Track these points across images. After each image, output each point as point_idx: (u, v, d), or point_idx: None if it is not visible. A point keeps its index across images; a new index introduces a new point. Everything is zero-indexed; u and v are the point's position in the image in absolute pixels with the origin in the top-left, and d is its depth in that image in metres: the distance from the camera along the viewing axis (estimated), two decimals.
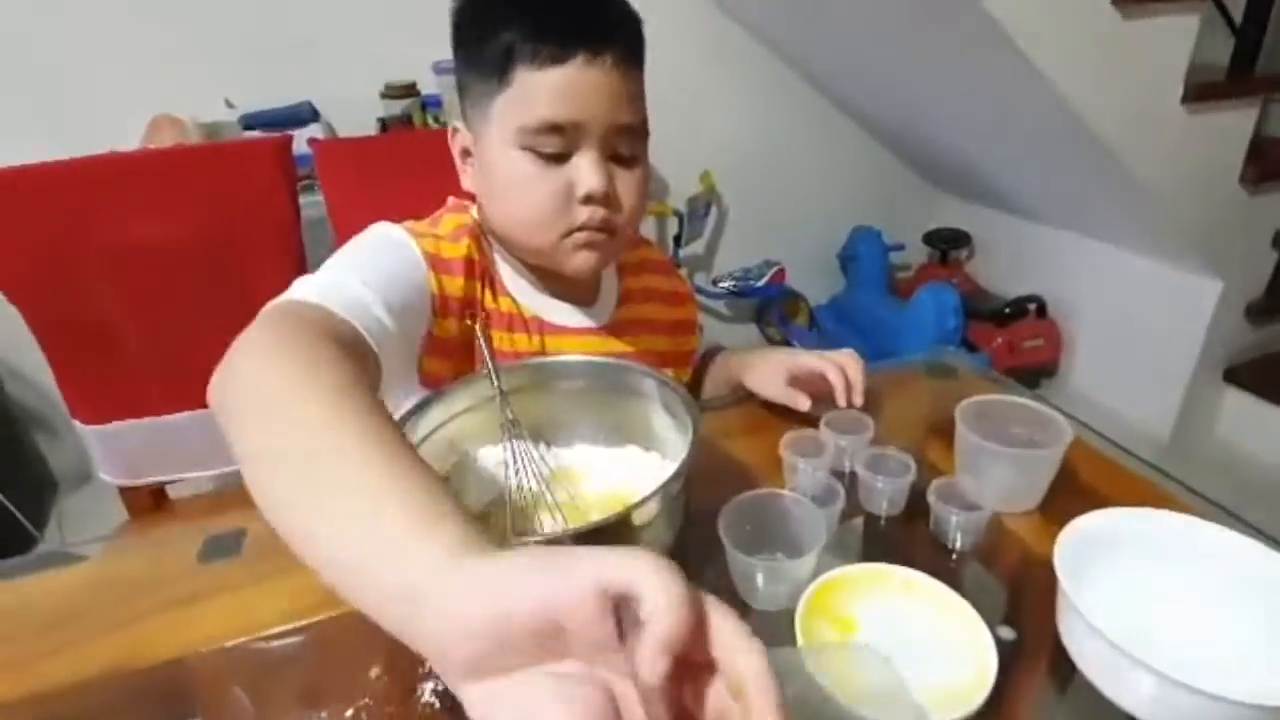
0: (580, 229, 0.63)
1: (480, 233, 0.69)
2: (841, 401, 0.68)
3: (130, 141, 1.54)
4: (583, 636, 0.26)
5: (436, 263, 0.64)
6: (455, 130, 0.68)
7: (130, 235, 1.08)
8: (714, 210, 2.30)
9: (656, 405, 0.58)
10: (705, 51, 2.13)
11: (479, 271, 0.67)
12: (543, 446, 0.62)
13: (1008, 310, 2.17)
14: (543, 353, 0.70)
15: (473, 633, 0.26)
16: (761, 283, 2.27)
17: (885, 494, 0.58)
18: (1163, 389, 1.95)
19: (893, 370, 0.82)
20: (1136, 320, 2.00)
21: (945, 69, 1.75)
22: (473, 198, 0.70)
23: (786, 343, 2.42)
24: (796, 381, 0.72)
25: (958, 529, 0.54)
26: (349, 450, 0.34)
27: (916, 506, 0.58)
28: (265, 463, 0.36)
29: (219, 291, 1.11)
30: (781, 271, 2.31)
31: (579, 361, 0.60)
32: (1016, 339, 2.15)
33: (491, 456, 0.59)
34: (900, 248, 2.48)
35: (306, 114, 1.76)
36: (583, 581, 0.26)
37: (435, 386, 0.65)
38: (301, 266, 1.18)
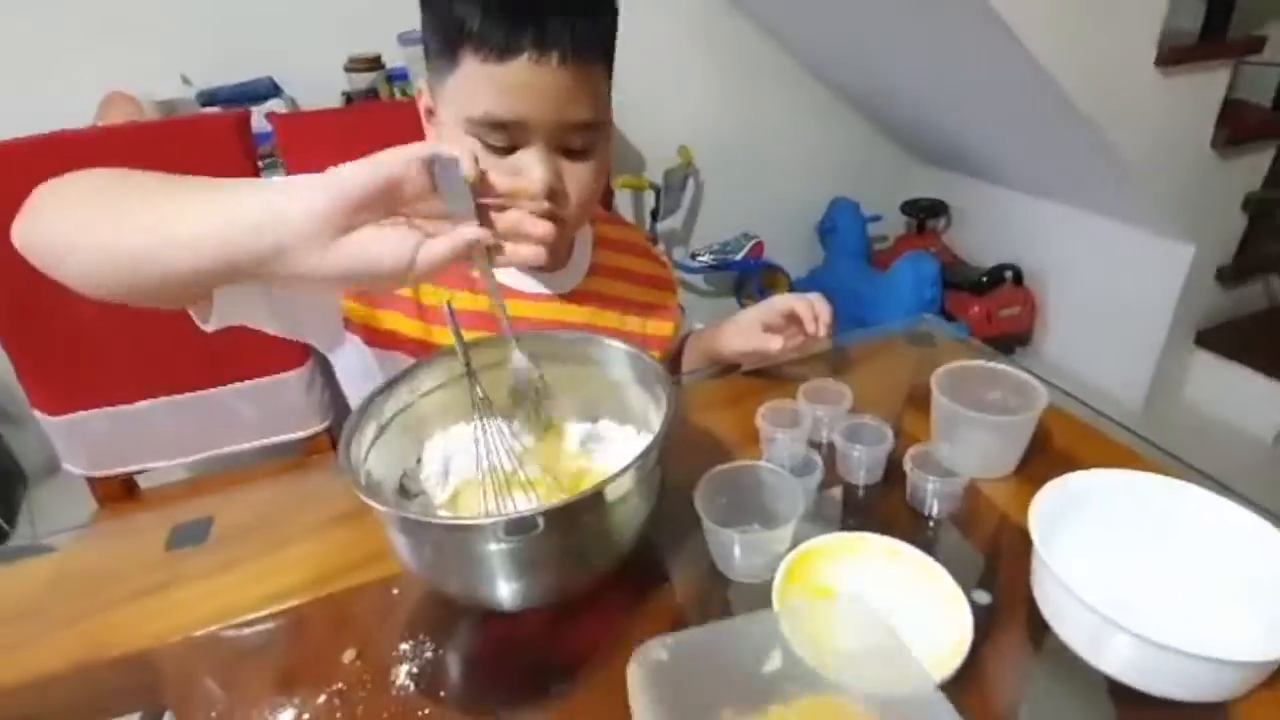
0: None
1: None
2: (809, 329, 0.69)
3: (83, 120, 1.47)
4: (409, 189, 0.42)
5: None
6: (420, 91, 0.66)
7: None
8: (691, 184, 2.27)
9: (630, 379, 0.57)
10: (681, 24, 2.09)
11: None
12: (515, 423, 0.61)
13: (985, 279, 2.18)
14: (492, 314, 0.69)
15: (336, 196, 0.39)
16: (740, 256, 2.26)
17: (862, 463, 0.58)
18: (1136, 354, 1.98)
19: (872, 339, 0.82)
20: (1110, 286, 2.02)
21: (921, 37, 1.73)
22: None
23: None
24: (769, 329, 0.72)
25: (934, 496, 0.54)
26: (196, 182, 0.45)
27: (894, 475, 0.58)
28: (114, 209, 0.45)
29: None
30: (760, 244, 2.29)
31: (549, 336, 0.58)
32: (994, 308, 2.17)
33: (464, 434, 0.57)
34: (878, 218, 2.47)
35: (266, 89, 1.70)
36: (406, 154, 0.41)
37: (350, 328, 0.67)
38: None
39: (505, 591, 0.44)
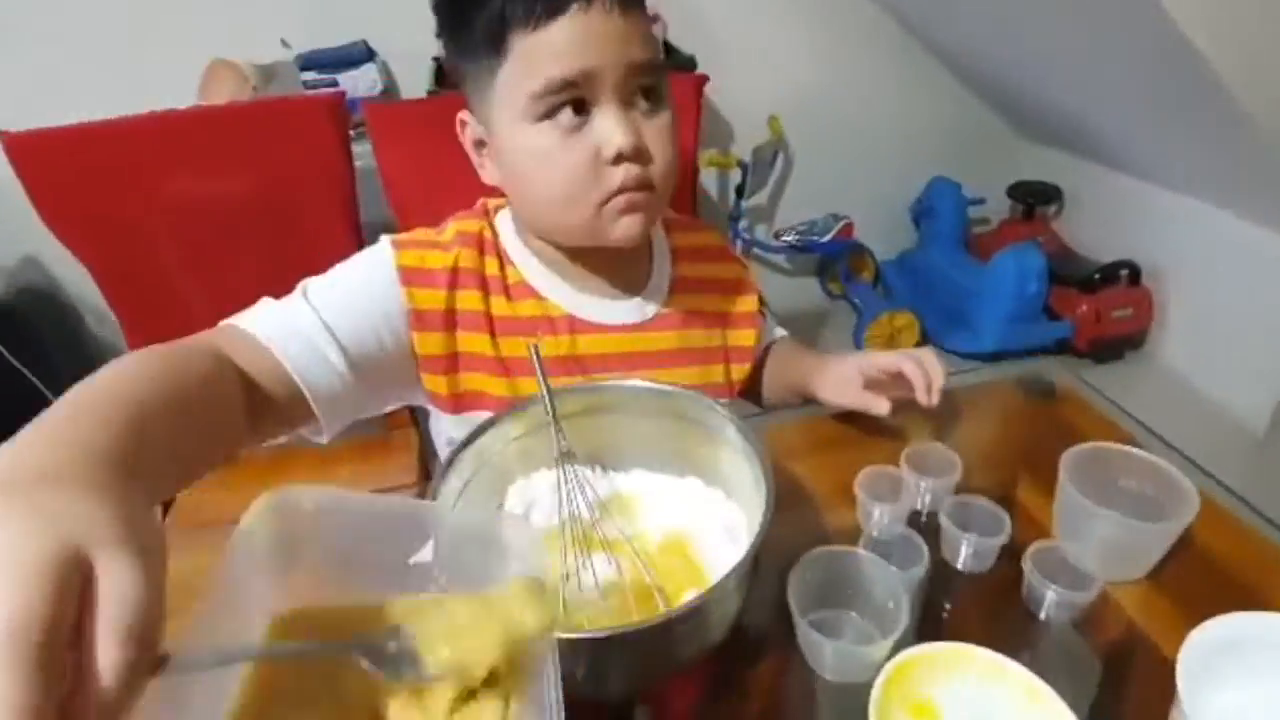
0: (618, 192, 0.58)
1: (486, 237, 0.66)
2: (921, 399, 0.63)
3: (189, 89, 1.51)
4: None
5: (412, 276, 0.62)
6: (464, 124, 0.64)
7: (188, 192, 1.07)
8: (780, 158, 2.16)
9: (722, 440, 0.53)
10: None
11: (476, 280, 0.64)
12: (598, 470, 0.59)
13: (1097, 276, 2.00)
14: (574, 353, 0.67)
15: None
16: (827, 237, 2.16)
17: (973, 551, 0.53)
18: (1262, 374, 1.79)
19: (981, 382, 0.75)
20: (1241, 295, 1.82)
21: (1064, 10, 1.55)
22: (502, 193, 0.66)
23: (848, 300, 2.32)
24: (871, 384, 0.67)
25: (1055, 605, 0.49)
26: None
27: (1006, 564, 0.53)
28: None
29: (276, 246, 1.11)
30: (849, 225, 2.18)
31: (641, 388, 0.55)
32: (1105, 308, 2.00)
33: (546, 480, 0.56)
34: (981, 201, 2.30)
35: (361, 54, 1.70)
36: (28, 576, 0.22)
37: (437, 405, 0.66)
38: (355, 220, 1.16)
39: (583, 683, 0.43)
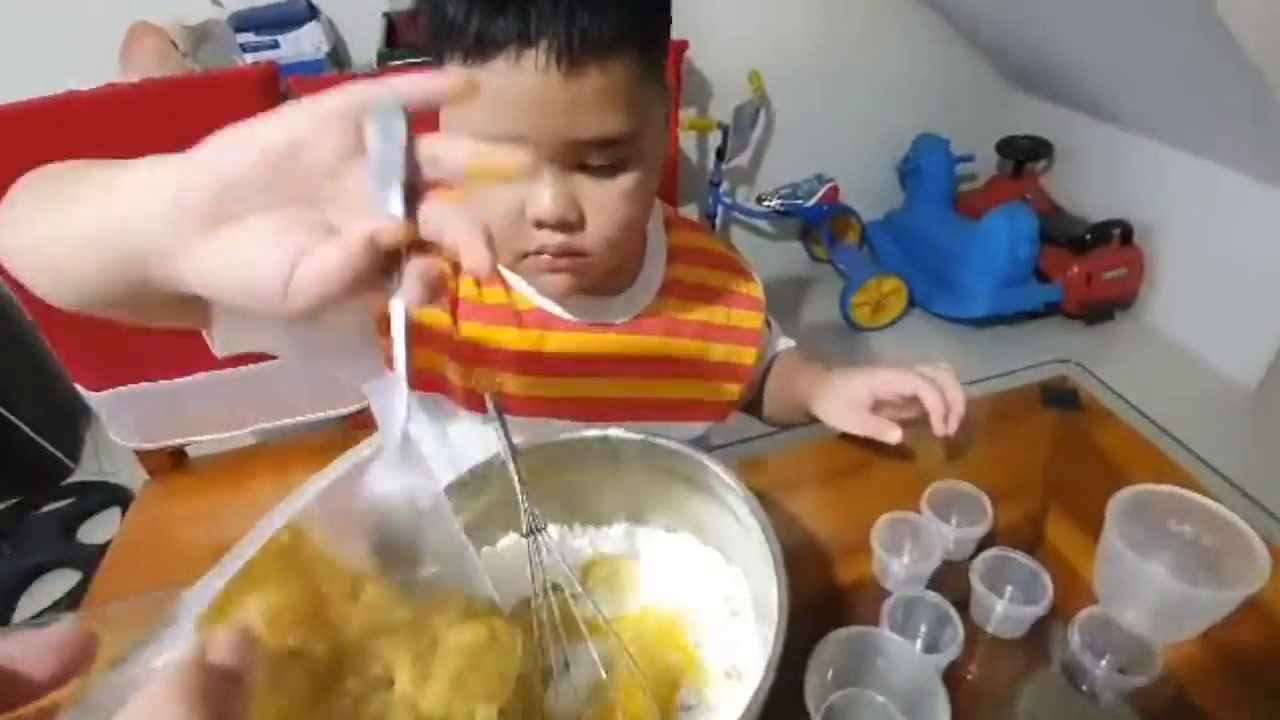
0: (539, 252, 0.50)
1: None
2: (938, 429, 0.56)
3: (110, 58, 1.36)
4: (317, 160, 0.28)
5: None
6: None
7: None
8: (762, 117, 2.04)
9: (716, 495, 0.46)
10: None
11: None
12: (576, 528, 0.51)
13: (1089, 236, 1.94)
14: (540, 351, 0.58)
15: (196, 185, 0.28)
16: (812, 201, 2.06)
17: (1005, 615, 0.47)
18: (1255, 332, 1.76)
19: (999, 392, 0.68)
20: (1235, 253, 1.77)
21: None
22: None
23: (833, 264, 2.24)
24: (881, 407, 0.59)
25: (1105, 684, 0.43)
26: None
27: (1043, 627, 0.47)
28: (39, 210, 0.37)
29: None
30: (834, 188, 2.08)
31: (624, 440, 0.47)
32: (1096, 269, 1.94)
33: (513, 552, 0.48)
34: (970, 158, 2.21)
35: (303, 12, 1.54)
36: (325, 106, 0.28)
37: (431, 387, 0.58)
38: None
39: None
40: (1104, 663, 0.43)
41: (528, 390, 0.58)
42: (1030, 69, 2.11)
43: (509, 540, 0.48)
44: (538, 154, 0.45)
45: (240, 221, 0.28)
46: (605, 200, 0.48)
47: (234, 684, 0.23)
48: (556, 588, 0.44)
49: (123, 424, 1.13)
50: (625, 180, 0.48)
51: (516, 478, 0.44)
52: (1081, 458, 0.61)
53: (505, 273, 0.58)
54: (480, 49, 0.42)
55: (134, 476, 1.26)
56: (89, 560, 1.49)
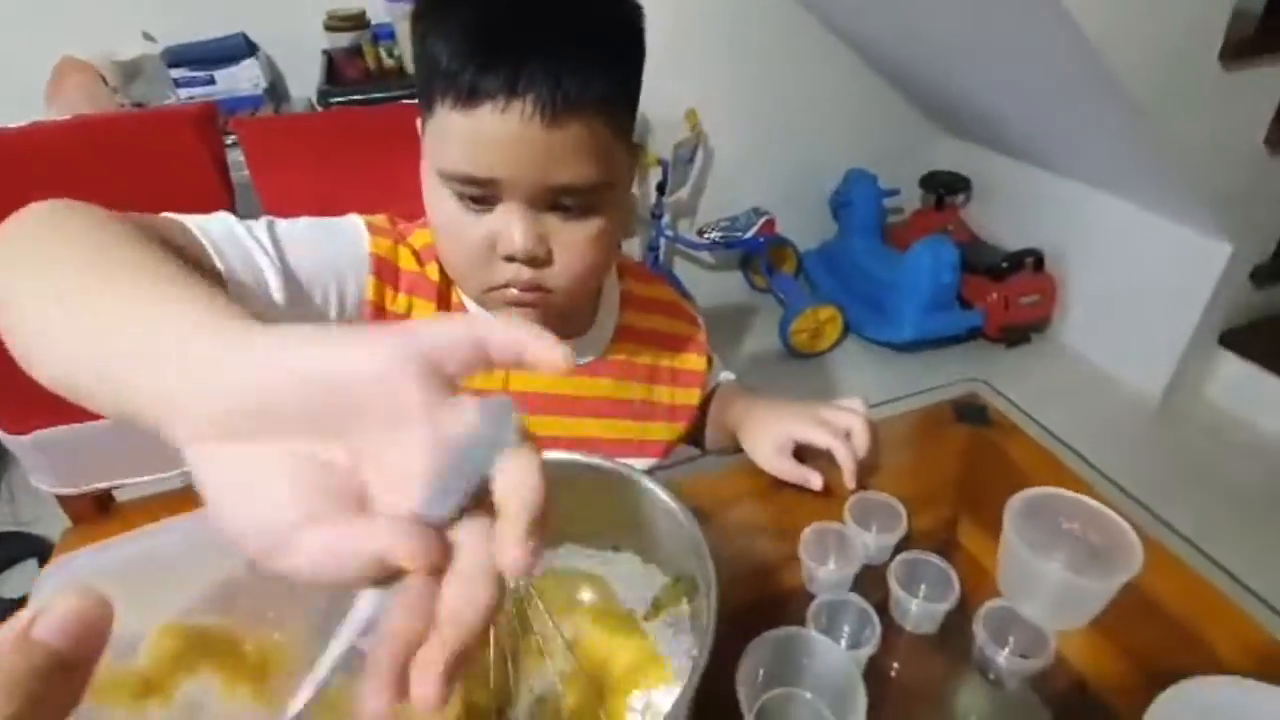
0: (506, 286, 0.53)
1: None
2: (849, 483, 0.60)
3: (36, 93, 1.33)
4: (375, 410, 0.23)
5: (382, 266, 0.55)
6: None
7: None
8: (700, 152, 2.13)
9: (661, 519, 0.48)
10: None
11: (433, 291, 0.58)
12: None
13: (1005, 264, 2.08)
14: (505, 389, 0.61)
15: (230, 388, 0.23)
16: (749, 234, 2.14)
17: (920, 613, 0.50)
18: (1157, 349, 1.91)
19: (917, 409, 0.73)
20: (1137, 278, 1.92)
21: (970, 10, 1.58)
22: None
23: (772, 292, 2.32)
24: (803, 446, 0.63)
25: (1008, 670, 0.47)
26: (119, 262, 0.32)
27: (955, 619, 0.51)
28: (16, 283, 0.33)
29: None
30: (771, 221, 2.17)
31: (568, 463, 0.50)
32: (1013, 295, 2.08)
33: None
34: (895, 192, 2.34)
35: (240, 48, 1.54)
36: (390, 349, 0.23)
37: None
38: None
39: None
40: (1006, 651, 0.47)
41: None
42: (949, 112, 2.27)
43: None
44: (513, 194, 0.49)
45: (261, 443, 0.23)
46: (573, 241, 0.52)
47: (60, 668, 0.19)
48: (515, 599, 0.46)
49: (44, 468, 1.08)
50: (593, 224, 0.52)
51: None
52: (989, 467, 0.66)
53: (470, 308, 0.61)
54: (471, 98, 0.45)
55: (52, 525, 1.20)
56: (3, 616, 1.41)
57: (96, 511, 1.15)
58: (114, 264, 0.32)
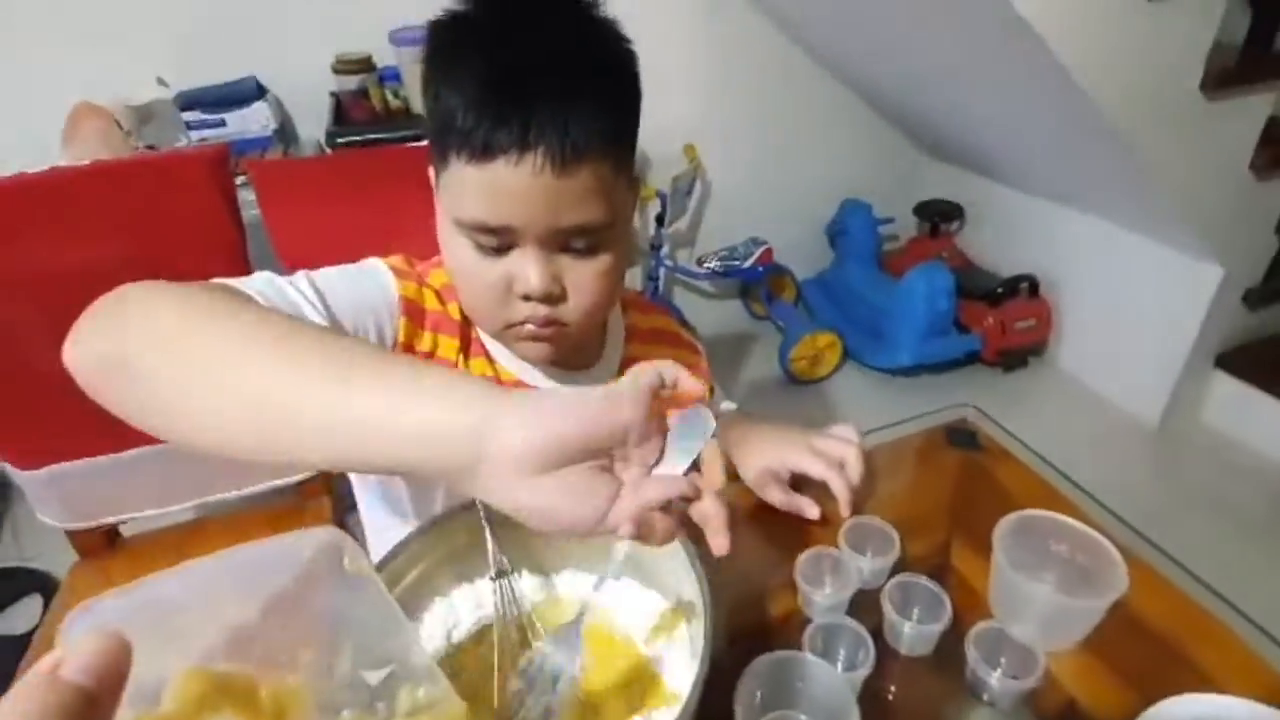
0: (524, 323, 0.56)
1: None
2: (844, 512, 0.61)
3: (52, 137, 1.37)
4: (634, 437, 0.36)
5: (411, 308, 0.58)
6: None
7: (52, 262, 0.95)
8: (698, 185, 2.17)
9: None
10: (686, 12, 1.97)
11: (455, 329, 0.61)
12: (524, 574, 0.54)
13: (1000, 290, 2.11)
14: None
15: (543, 443, 0.33)
16: (748, 263, 2.17)
17: (914, 635, 0.52)
18: (1153, 373, 1.92)
19: (909, 435, 0.75)
20: (1131, 302, 1.95)
21: (945, 38, 1.63)
22: None
23: (771, 320, 2.35)
24: (799, 475, 0.65)
25: (1000, 690, 0.48)
26: (319, 336, 0.39)
27: (949, 641, 0.52)
28: (218, 369, 0.37)
29: None
30: (769, 251, 2.21)
31: None
32: (1009, 320, 2.10)
33: (468, 602, 0.51)
34: (890, 220, 2.38)
35: (251, 91, 1.59)
36: (644, 394, 0.36)
37: None
38: None
39: None
40: (998, 672, 0.48)
41: None
42: (942, 141, 2.32)
43: (463, 590, 0.51)
44: (527, 239, 0.52)
45: (559, 471, 0.34)
46: (584, 277, 0.55)
47: (87, 705, 0.20)
48: (520, 628, 0.48)
49: (54, 502, 1.10)
50: (602, 261, 0.55)
51: (487, 525, 0.48)
52: (980, 491, 0.68)
53: (488, 344, 0.63)
54: (485, 153, 0.48)
55: (56, 560, 1.20)
56: (7, 652, 1.41)
57: (104, 545, 1.16)
58: (289, 344, 0.37)
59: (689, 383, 0.38)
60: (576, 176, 0.49)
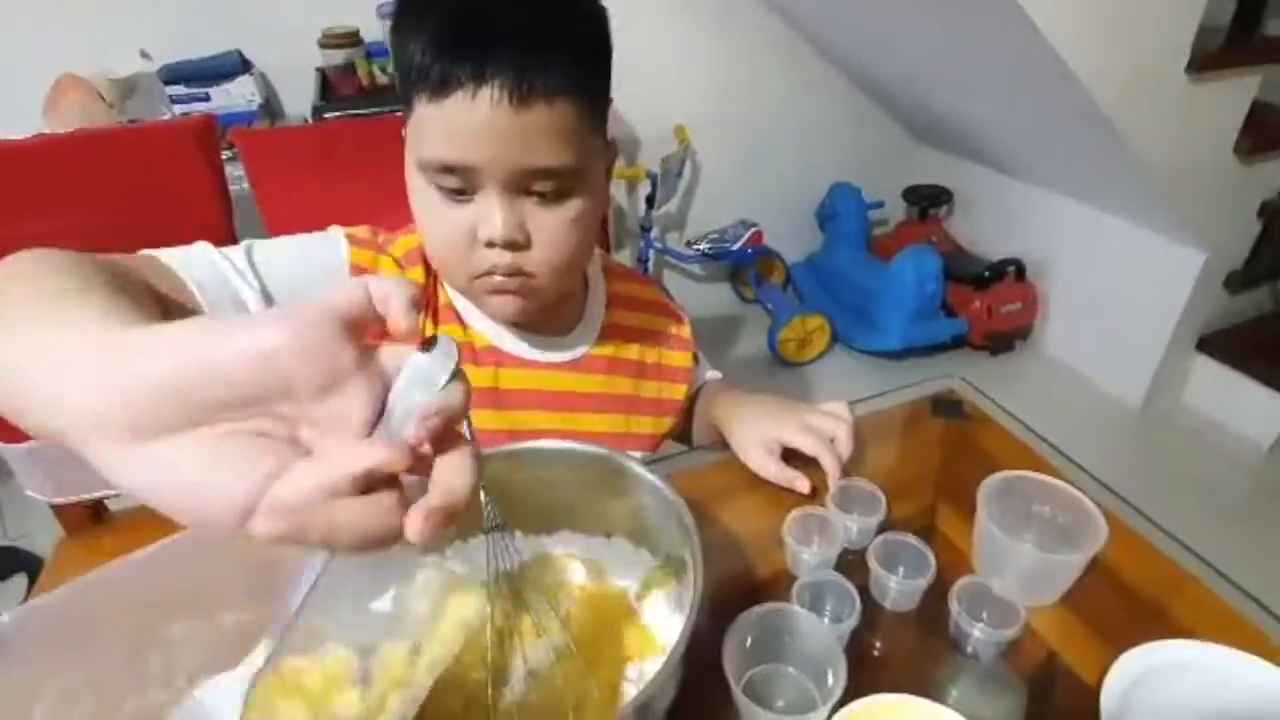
0: (490, 272, 0.56)
1: (425, 255, 0.62)
2: (834, 487, 0.62)
3: (33, 108, 1.35)
4: (317, 376, 0.24)
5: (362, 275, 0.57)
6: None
7: (36, 234, 0.94)
8: (688, 167, 2.17)
9: (646, 499, 0.51)
10: None
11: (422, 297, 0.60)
12: (518, 535, 0.55)
13: (987, 274, 2.12)
14: (495, 386, 0.64)
15: (150, 384, 0.23)
16: (738, 245, 2.18)
17: (902, 593, 0.53)
18: (1137, 355, 1.95)
19: (894, 405, 0.76)
20: (1115, 285, 1.97)
21: (936, 21, 1.63)
22: None
23: (761, 304, 2.36)
24: (787, 449, 0.66)
25: (981, 642, 0.49)
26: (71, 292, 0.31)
27: (933, 598, 0.53)
28: None
29: None
30: (758, 233, 2.21)
31: (567, 450, 0.52)
32: (995, 303, 2.12)
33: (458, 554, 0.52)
34: (879, 204, 2.39)
35: (235, 65, 1.57)
36: (307, 321, 0.24)
37: None
38: None
39: None
40: (980, 625, 0.49)
41: (483, 423, 0.63)
42: (931, 126, 2.33)
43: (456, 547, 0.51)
44: (490, 181, 0.52)
45: (186, 433, 0.23)
46: (550, 225, 0.54)
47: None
48: (510, 579, 0.48)
49: (40, 477, 1.09)
50: (568, 209, 0.55)
51: (490, 516, 0.48)
52: (965, 458, 0.69)
53: (461, 309, 0.63)
54: (442, 87, 0.48)
55: (42, 541, 1.19)
56: None
57: (90, 521, 1.15)
58: (41, 296, 0.31)
59: (400, 314, 0.27)
60: (535, 114, 0.49)
